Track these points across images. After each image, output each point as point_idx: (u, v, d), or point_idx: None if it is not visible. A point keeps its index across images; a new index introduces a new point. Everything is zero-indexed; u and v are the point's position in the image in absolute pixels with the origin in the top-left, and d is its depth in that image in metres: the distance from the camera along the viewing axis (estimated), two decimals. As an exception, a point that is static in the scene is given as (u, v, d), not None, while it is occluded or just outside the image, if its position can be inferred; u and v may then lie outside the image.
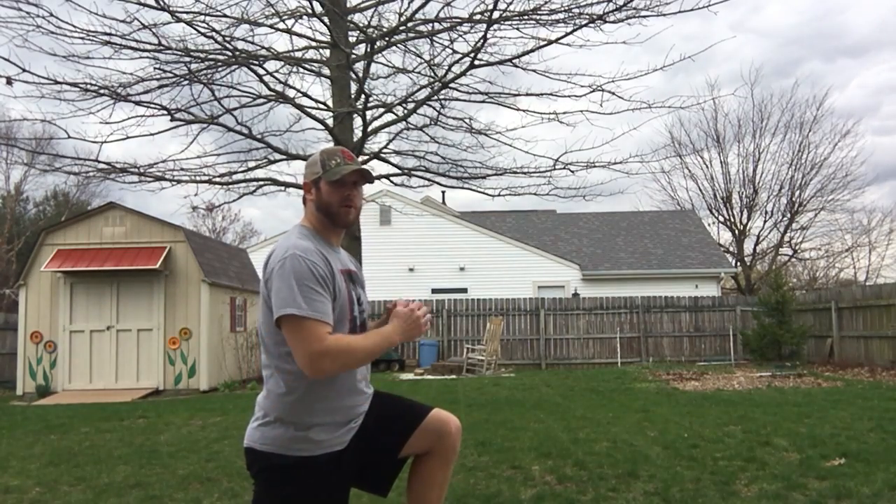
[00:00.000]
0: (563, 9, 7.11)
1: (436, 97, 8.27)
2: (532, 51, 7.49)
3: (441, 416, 2.49)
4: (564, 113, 8.24)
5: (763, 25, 52.81)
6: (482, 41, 7.05)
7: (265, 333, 2.23)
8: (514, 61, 7.56)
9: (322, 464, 2.19)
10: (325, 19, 7.71)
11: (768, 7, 53.74)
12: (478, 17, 7.52)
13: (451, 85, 8.05)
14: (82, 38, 7.07)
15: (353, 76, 8.17)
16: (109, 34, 7.00)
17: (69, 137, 7.55)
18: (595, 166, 8.50)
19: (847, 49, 51.81)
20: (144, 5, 6.70)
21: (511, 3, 6.97)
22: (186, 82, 7.85)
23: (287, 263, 2.15)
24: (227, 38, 7.30)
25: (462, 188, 9.26)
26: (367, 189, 2.87)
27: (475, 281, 22.62)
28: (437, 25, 8.12)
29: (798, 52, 52.05)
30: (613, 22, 6.92)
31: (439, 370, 15.75)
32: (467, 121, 8.95)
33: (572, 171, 8.58)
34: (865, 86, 52.08)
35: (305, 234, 2.30)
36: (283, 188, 9.17)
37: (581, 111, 8.12)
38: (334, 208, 2.33)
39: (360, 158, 8.88)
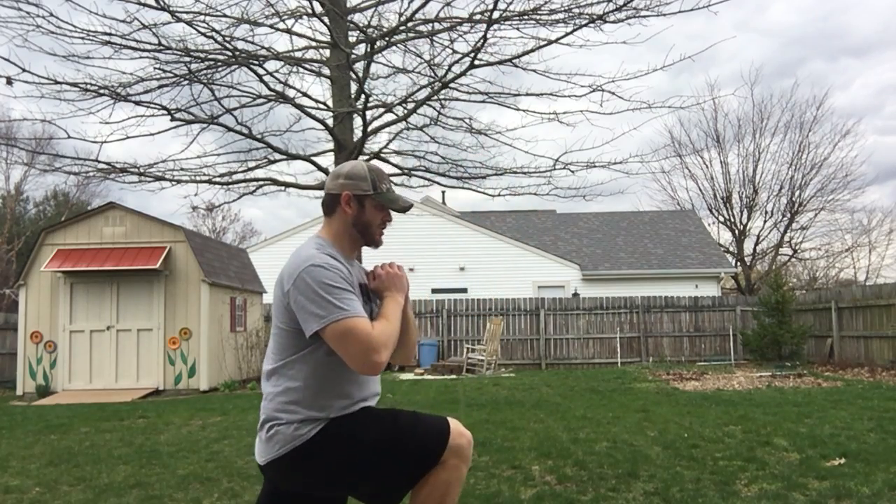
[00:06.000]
0: (563, 9, 7.12)
1: (436, 97, 8.27)
2: (532, 51, 7.50)
3: None
4: (564, 113, 8.26)
5: (767, 25, 52.84)
6: (482, 41, 7.05)
7: (283, 342, 2.21)
8: (514, 61, 7.56)
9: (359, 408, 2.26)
10: (325, 19, 7.71)
11: (772, 7, 53.76)
12: (478, 17, 7.53)
13: (452, 85, 8.05)
14: (82, 38, 7.08)
15: (353, 76, 8.17)
16: (109, 34, 7.01)
17: (69, 137, 7.56)
18: (595, 166, 8.51)
19: (850, 49, 51.83)
20: (144, 5, 6.70)
21: (511, 3, 6.98)
22: (186, 82, 7.85)
23: (312, 274, 2.13)
24: (227, 38, 7.30)
25: (462, 188, 9.27)
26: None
27: (475, 281, 22.62)
28: (437, 25, 8.13)
29: (801, 52, 52.08)
30: (613, 22, 6.93)
31: (439, 370, 15.76)
32: (467, 121, 8.96)
33: (572, 171, 8.59)
34: (868, 86, 52.10)
35: (322, 246, 2.27)
36: (283, 188, 9.18)
37: (581, 111, 8.14)
38: (373, 228, 2.37)
39: (361, 158, 8.90)
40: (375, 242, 2.40)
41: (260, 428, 2.25)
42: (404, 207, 2.41)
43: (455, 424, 2.30)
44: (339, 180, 2.35)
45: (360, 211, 2.33)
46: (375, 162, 8.99)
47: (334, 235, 2.34)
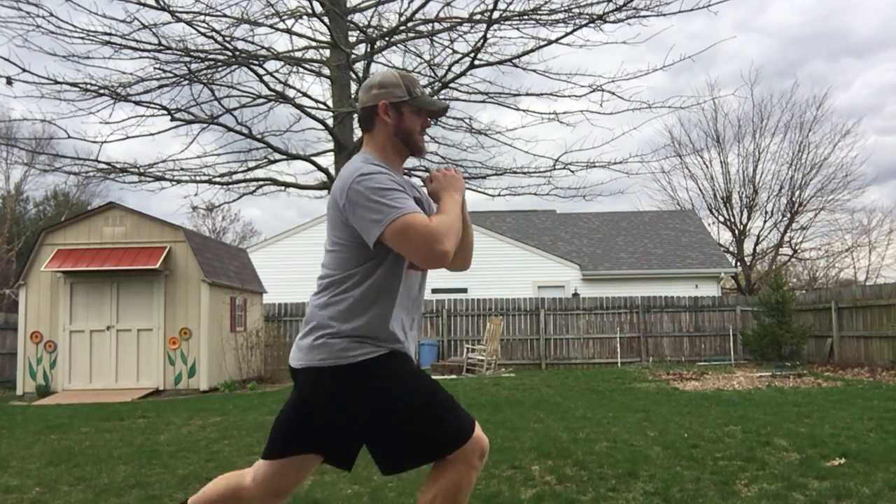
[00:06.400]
0: (563, 9, 7.13)
1: (436, 97, 8.28)
2: (532, 51, 7.51)
3: None
4: (565, 113, 8.28)
5: (767, 25, 52.83)
6: (482, 41, 7.06)
7: (337, 256, 2.23)
8: (514, 61, 7.57)
9: (403, 353, 2.26)
10: (325, 19, 7.72)
11: (772, 7, 53.75)
12: (478, 17, 7.53)
13: (452, 85, 8.07)
14: (82, 38, 7.09)
15: (353, 76, 8.17)
16: (109, 34, 7.02)
17: (69, 137, 7.57)
18: (595, 166, 8.53)
19: (851, 49, 51.81)
20: (144, 5, 6.71)
21: (511, 3, 7.00)
22: (186, 82, 7.86)
23: (362, 183, 2.13)
24: (227, 38, 7.31)
25: (462, 188, 9.26)
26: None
27: (475, 281, 22.60)
28: (437, 25, 8.13)
29: (802, 52, 52.08)
30: (613, 22, 6.95)
31: (439, 370, 15.75)
32: (467, 121, 8.98)
33: (572, 171, 8.61)
34: (869, 85, 52.11)
35: (370, 160, 2.26)
36: (283, 188, 9.18)
37: (581, 111, 8.17)
38: (415, 136, 2.34)
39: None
40: (420, 150, 2.37)
41: (306, 333, 2.25)
42: (441, 109, 2.39)
43: (478, 431, 2.28)
44: (373, 91, 2.33)
45: (398, 119, 2.31)
46: None
47: (378, 149, 2.32)
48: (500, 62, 7.56)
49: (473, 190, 9.18)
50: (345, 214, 2.17)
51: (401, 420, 2.19)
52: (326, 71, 8.84)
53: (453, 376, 14.72)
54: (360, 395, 2.18)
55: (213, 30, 7.08)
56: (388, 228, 2.07)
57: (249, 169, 9.13)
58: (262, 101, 8.22)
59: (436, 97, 8.54)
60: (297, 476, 2.45)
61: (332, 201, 2.25)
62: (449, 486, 2.20)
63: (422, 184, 2.45)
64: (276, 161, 9.10)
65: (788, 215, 30.44)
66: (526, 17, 7.20)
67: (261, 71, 7.42)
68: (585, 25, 7.02)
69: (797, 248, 31.80)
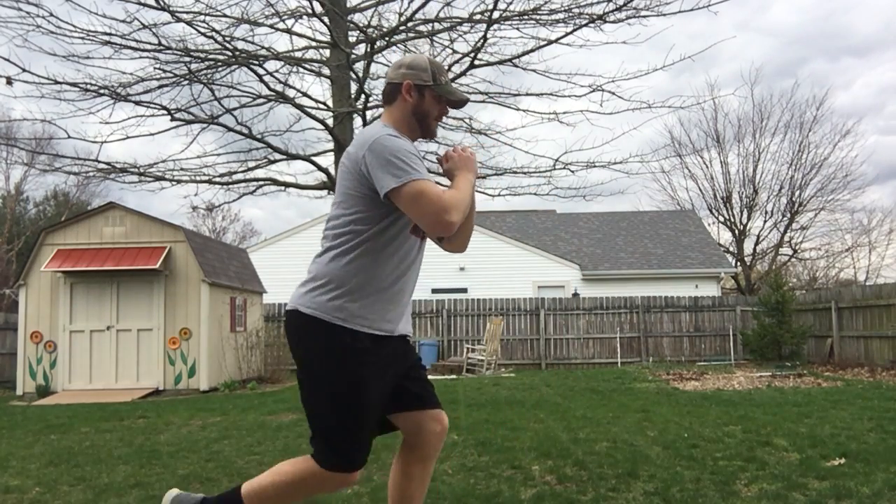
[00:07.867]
0: (563, 9, 7.13)
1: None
2: (532, 51, 7.51)
3: (437, 415, 2.57)
4: (565, 113, 8.27)
5: (768, 25, 52.82)
6: (482, 41, 7.05)
7: (345, 209, 2.33)
8: (514, 61, 7.57)
9: (369, 341, 2.33)
10: (325, 19, 7.72)
11: (773, 6, 53.73)
12: (478, 17, 7.53)
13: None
14: (82, 38, 7.09)
15: (353, 76, 8.17)
16: (109, 34, 7.02)
17: (69, 137, 7.57)
18: (595, 166, 8.53)
19: (851, 49, 51.80)
20: (144, 5, 6.71)
21: (511, 3, 6.99)
22: (186, 82, 7.86)
23: (387, 142, 2.24)
24: (227, 38, 7.31)
25: (462, 188, 9.26)
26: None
27: (475, 281, 22.61)
28: (437, 25, 8.13)
29: (802, 52, 52.07)
30: (613, 22, 6.94)
31: (439, 370, 15.75)
32: (467, 121, 8.97)
33: (572, 171, 8.61)
34: (870, 85, 52.08)
35: (389, 130, 2.37)
36: (283, 188, 9.18)
37: (581, 111, 8.16)
38: (430, 119, 2.46)
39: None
40: (431, 133, 2.50)
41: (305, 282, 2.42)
42: (461, 100, 2.51)
43: (344, 479, 2.40)
44: (401, 70, 2.45)
45: (419, 100, 2.42)
46: None
47: (395, 122, 2.44)
48: (500, 62, 7.56)
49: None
50: (361, 164, 2.26)
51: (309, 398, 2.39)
52: (326, 71, 8.83)
53: (453, 376, 14.72)
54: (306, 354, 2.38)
55: (213, 30, 7.08)
56: (405, 188, 2.17)
57: (249, 169, 9.13)
58: (262, 101, 8.22)
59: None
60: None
61: (346, 155, 2.35)
62: (295, 477, 2.44)
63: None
64: (276, 161, 9.10)
65: (788, 215, 30.46)
66: (526, 17, 7.20)
67: (261, 71, 7.42)
68: (585, 25, 7.02)
69: (797, 248, 31.81)
